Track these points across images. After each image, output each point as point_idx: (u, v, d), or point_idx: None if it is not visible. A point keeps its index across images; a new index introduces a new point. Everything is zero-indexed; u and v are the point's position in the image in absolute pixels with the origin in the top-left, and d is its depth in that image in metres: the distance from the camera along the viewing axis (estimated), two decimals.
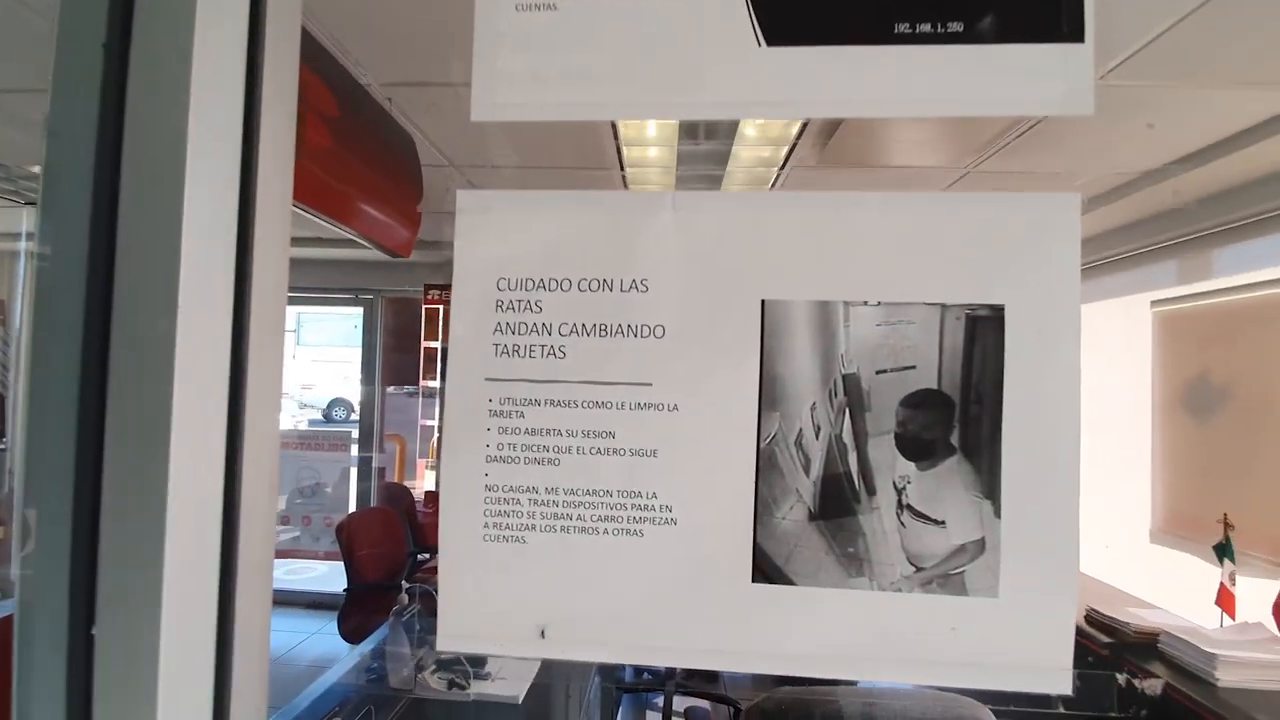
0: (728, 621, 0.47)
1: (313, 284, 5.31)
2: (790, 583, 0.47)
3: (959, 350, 0.47)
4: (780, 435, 0.48)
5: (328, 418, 12.79)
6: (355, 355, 5.77)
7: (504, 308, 0.51)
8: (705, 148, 2.53)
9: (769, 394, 0.49)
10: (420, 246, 2.69)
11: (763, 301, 0.49)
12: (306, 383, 13.28)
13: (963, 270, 0.48)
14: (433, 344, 5.18)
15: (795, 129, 2.32)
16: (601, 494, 0.49)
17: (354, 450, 5.40)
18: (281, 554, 5.13)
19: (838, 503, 0.47)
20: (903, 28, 0.46)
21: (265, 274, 0.51)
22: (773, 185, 2.67)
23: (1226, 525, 2.51)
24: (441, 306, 5.15)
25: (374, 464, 5.53)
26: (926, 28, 0.46)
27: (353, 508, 5.17)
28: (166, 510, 0.44)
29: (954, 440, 0.47)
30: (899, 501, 0.47)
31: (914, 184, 2.70)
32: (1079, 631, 2.27)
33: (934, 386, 0.48)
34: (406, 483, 5.48)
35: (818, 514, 0.47)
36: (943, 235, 0.48)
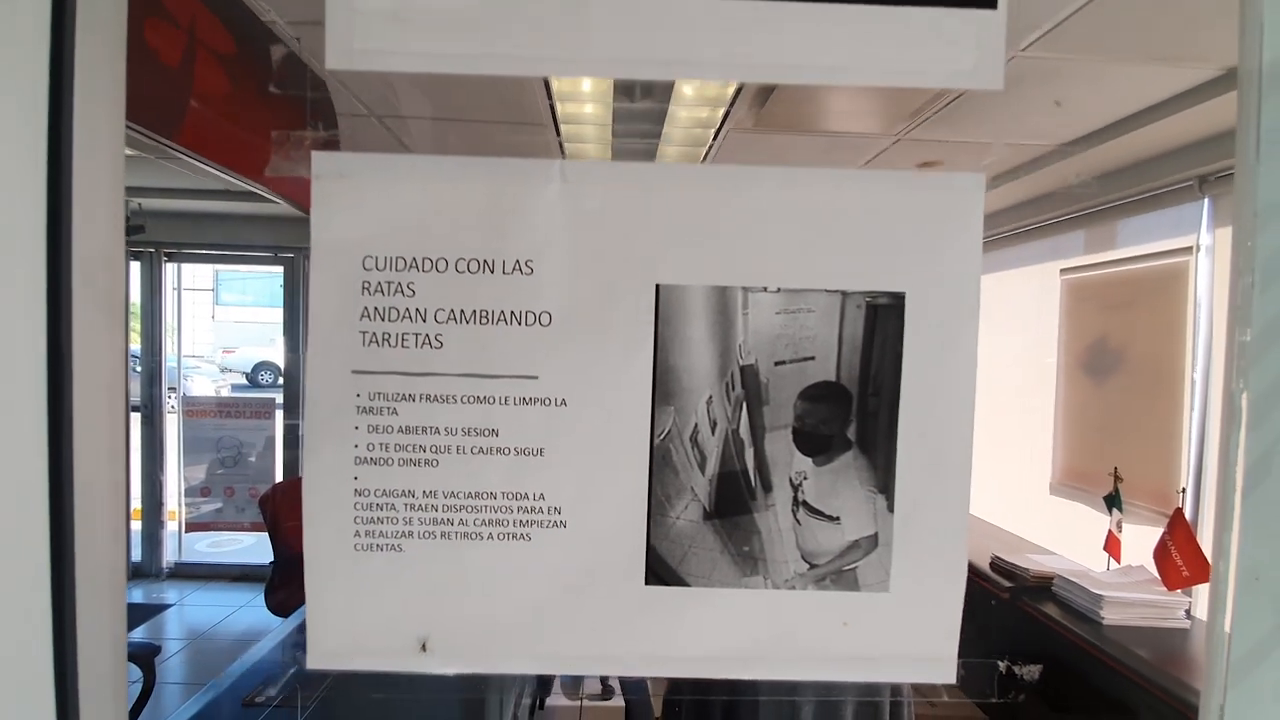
0: (621, 626, 0.45)
1: (226, 240, 4.92)
2: (684, 584, 0.45)
3: (859, 341, 0.46)
4: (675, 431, 0.45)
5: (253, 382, 12.13)
6: (280, 316, 5.46)
7: (371, 290, 0.45)
8: (641, 106, 2.44)
9: (663, 387, 0.46)
10: None
11: (657, 286, 0.45)
12: (228, 346, 12.54)
13: (864, 255, 0.45)
14: None
15: (731, 90, 2.27)
16: (485, 496, 0.45)
17: (279, 416, 5.17)
18: (204, 526, 4.89)
19: (734, 501, 0.45)
20: None
21: (90, 240, 0.43)
22: (709, 148, 2.62)
23: (1116, 478, 2.72)
24: None
25: (301, 430, 5.29)
26: None
27: (279, 477, 4.98)
28: None
29: (850, 434, 0.46)
30: (795, 498, 0.46)
31: (847, 150, 2.71)
32: (983, 575, 2.45)
33: (833, 379, 0.46)
34: None
35: (713, 512, 0.45)
36: (844, 217, 0.45)
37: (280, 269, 5.44)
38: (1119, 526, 2.74)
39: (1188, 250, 2.88)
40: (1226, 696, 0.43)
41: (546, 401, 0.46)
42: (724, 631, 0.44)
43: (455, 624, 0.45)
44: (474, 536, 0.45)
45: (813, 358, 0.46)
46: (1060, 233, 3.58)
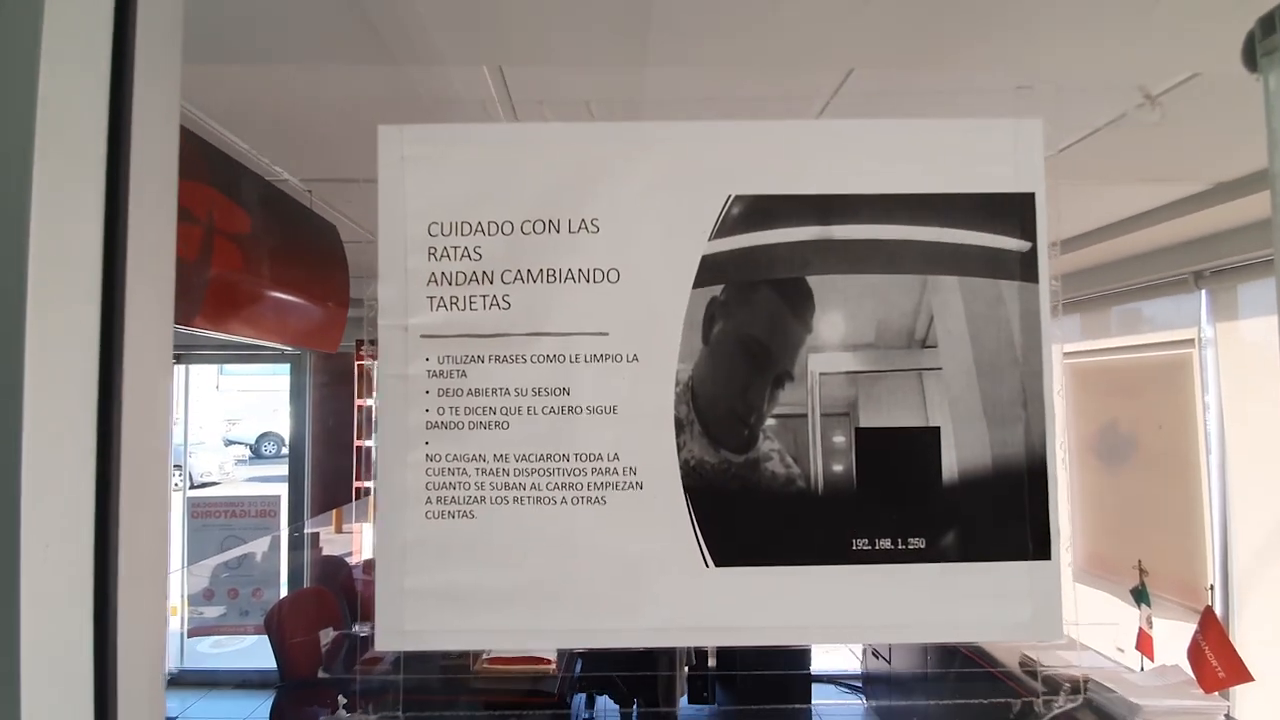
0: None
1: (231, 340, 4.98)
2: None
3: None
4: None
5: (257, 453, 12.05)
6: (284, 383, 5.47)
7: None
8: None
9: None
10: (351, 305, 2.57)
11: None
12: (232, 416, 12.51)
13: None
14: (367, 402, 4.99)
15: None
16: None
17: (284, 511, 5.13)
18: (207, 631, 4.79)
19: None
20: (861, 544, 0.42)
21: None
22: None
23: (1141, 572, 2.65)
24: (375, 362, 4.96)
25: (305, 529, 5.25)
26: (886, 544, 0.42)
27: (284, 579, 4.91)
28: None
29: None
30: None
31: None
32: (1013, 678, 2.36)
33: None
34: (345, 527, 5.24)
35: None
36: None
37: (288, 365, 5.49)
38: (1149, 622, 2.64)
39: (1189, 342, 2.89)
40: None
41: None
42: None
43: None
44: None
45: None
46: (1058, 316, 3.62)
